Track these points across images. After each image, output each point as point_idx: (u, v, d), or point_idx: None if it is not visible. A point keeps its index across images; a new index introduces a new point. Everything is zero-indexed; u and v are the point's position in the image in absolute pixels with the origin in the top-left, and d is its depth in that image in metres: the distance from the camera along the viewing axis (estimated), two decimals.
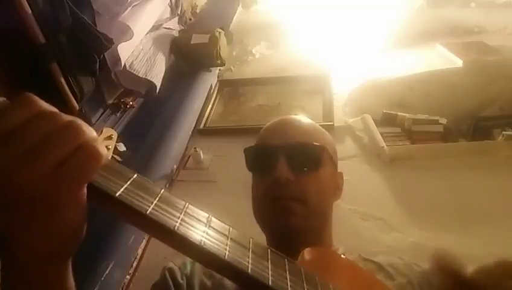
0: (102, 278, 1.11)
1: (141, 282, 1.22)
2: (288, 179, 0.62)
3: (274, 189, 0.63)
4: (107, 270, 1.13)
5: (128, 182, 0.33)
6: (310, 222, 0.63)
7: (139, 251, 1.31)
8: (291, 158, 0.64)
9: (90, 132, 0.32)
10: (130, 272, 1.24)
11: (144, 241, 1.34)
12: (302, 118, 0.73)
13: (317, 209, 0.64)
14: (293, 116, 0.73)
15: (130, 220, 0.32)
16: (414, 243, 1.23)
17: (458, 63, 2.13)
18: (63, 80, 1.31)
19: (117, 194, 0.31)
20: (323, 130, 0.74)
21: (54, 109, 0.32)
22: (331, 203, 0.70)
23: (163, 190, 0.35)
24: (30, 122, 0.29)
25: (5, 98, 0.32)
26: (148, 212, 0.32)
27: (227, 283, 0.63)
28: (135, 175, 0.34)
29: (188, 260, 0.68)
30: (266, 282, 0.33)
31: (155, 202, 0.33)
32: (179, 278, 0.64)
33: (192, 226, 0.33)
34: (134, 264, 1.27)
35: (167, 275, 0.65)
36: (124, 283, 1.20)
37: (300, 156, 0.65)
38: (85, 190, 0.32)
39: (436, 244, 1.21)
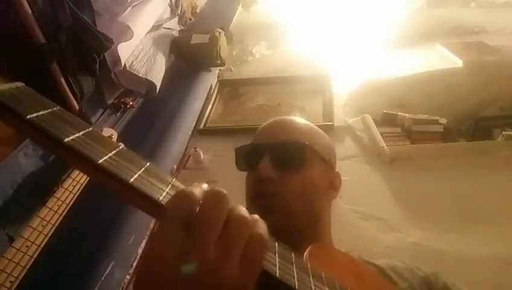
0: (102, 278, 1.11)
1: None
2: (269, 177, 0.62)
3: (256, 186, 0.63)
4: (107, 270, 1.13)
5: (142, 169, 0.34)
6: (292, 222, 0.62)
7: (139, 251, 1.31)
8: (275, 156, 0.64)
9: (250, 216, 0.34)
10: (130, 272, 1.24)
11: (144, 241, 1.34)
12: (296, 118, 0.73)
13: (300, 209, 0.63)
14: (287, 117, 0.73)
15: (141, 207, 0.33)
16: (414, 243, 1.23)
17: (458, 63, 2.13)
18: (63, 80, 1.31)
19: (131, 181, 0.32)
20: (318, 129, 0.73)
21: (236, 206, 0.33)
22: (320, 204, 0.68)
23: (174, 179, 0.36)
24: (231, 221, 0.31)
25: (23, 84, 0.34)
26: (160, 199, 0.32)
27: None
28: (148, 163, 0.35)
29: None
30: (274, 273, 0.34)
31: (167, 189, 0.34)
32: None
33: None
34: (134, 264, 1.27)
35: None
36: (124, 283, 1.20)
37: (284, 154, 0.65)
38: None
39: (436, 245, 1.21)
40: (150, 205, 0.33)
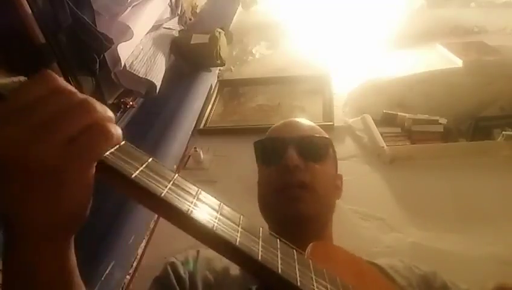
0: (102, 278, 1.11)
1: (141, 282, 1.22)
2: (297, 166, 0.65)
3: (284, 176, 0.66)
4: (107, 270, 1.13)
5: (144, 165, 0.34)
6: (318, 209, 0.65)
7: (139, 251, 1.31)
8: (300, 148, 0.68)
9: (104, 111, 0.34)
10: (130, 272, 1.24)
11: (144, 241, 1.34)
12: (305, 120, 0.78)
13: (324, 198, 0.67)
14: (297, 118, 0.79)
15: (143, 201, 0.33)
16: (414, 244, 1.23)
17: (458, 63, 2.13)
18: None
19: (133, 176, 0.32)
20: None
21: (71, 87, 0.33)
22: (334, 199, 0.72)
23: (177, 175, 0.36)
24: (46, 98, 0.30)
25: (25, 78, 0.34)
26: (162, 195, 0.32)
27: (231, 279, 0.63)
28: (150, 159, 0.36)
29: (191, 257, 0.68)
30: (276, 270, 0.34)
31: (169, 185, 0.34)
32: (182, 272, 0.64)
33: (204, 211, 0.34)
34: (134, 264, 1.27)
35: (169, 269, 0.65)
36: (124, 283, 1.20)
37: (309, 146, 0.69)
38: (93, 169, 0.32)
39: (436, 245, 1.21)
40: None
